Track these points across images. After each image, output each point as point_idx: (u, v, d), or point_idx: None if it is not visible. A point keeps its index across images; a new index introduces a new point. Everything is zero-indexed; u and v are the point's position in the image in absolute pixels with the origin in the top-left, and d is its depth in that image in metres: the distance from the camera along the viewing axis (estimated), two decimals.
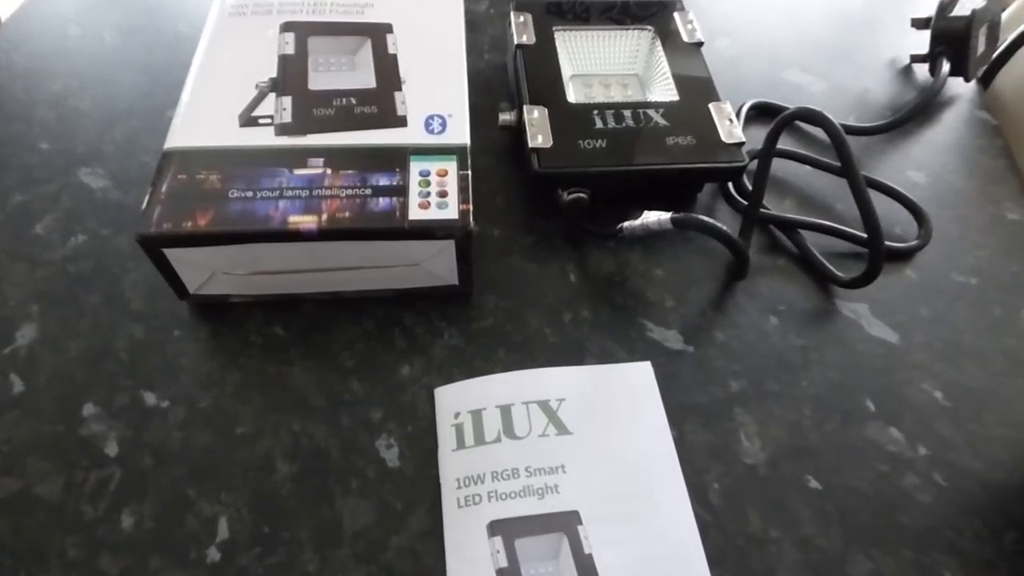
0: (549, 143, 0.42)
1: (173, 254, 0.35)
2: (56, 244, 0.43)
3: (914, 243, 0.45)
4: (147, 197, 0.35)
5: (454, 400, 0.37)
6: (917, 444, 0.37)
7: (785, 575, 0.33)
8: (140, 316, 0.40)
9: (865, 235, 0.40)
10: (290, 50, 0.42)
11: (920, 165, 0.50)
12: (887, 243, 0.40)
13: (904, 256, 0.45)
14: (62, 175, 0.47)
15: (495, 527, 0.32)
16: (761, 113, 0.52)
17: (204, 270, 0.37)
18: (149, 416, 0.37)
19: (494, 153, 0.49)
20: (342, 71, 0.42)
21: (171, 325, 0.40)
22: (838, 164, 0.48)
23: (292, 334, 0.40)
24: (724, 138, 0.43)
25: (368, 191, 0.36)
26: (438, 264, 0.38)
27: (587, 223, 0.44)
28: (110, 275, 0.42)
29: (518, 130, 0.45)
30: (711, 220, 0.39)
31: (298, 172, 0.37)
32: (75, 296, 0.41)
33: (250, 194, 0.36)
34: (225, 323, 0.40)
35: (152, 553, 0.32)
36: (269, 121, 0.39)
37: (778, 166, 0.49)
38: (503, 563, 0.31)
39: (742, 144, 0.43)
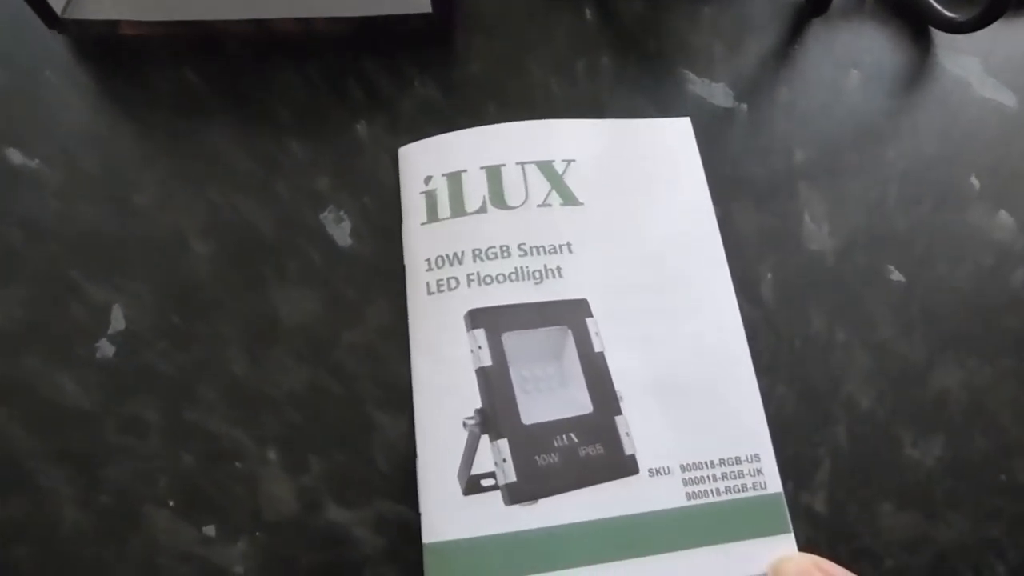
0: None
1: None
2: None
3: None
4: None
5: (425, 160, 0.27)
6: None
7: (853, 385, 0.25)
8: None
9: None
10: None
11: None
12: None
13: None
14: None
15: (476, 317, 0.24)
16: None
17: None
18: (15, 179, 0.27)
19: None
20: None
21: (39, 65, 0.29)
22: None
23: (210, 81, 0.30)
24: None
25: None
26: None
27: None
28: None
29: None
30: None
31: None
32: None
33: None
34: (116, 64, 0.30)
35: (24, 348, 0.25)
36: None
37: None
38: (486, 361, 0.24)
39: None
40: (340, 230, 0.27)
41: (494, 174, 0.27)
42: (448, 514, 0.22)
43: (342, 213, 0.27)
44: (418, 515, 0.22)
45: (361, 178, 0.28)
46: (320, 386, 0.25)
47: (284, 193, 0.28)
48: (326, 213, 0.27)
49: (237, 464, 0.23)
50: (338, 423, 0.24)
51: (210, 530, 0.23)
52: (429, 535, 0.22)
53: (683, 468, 0.23)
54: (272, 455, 0.24)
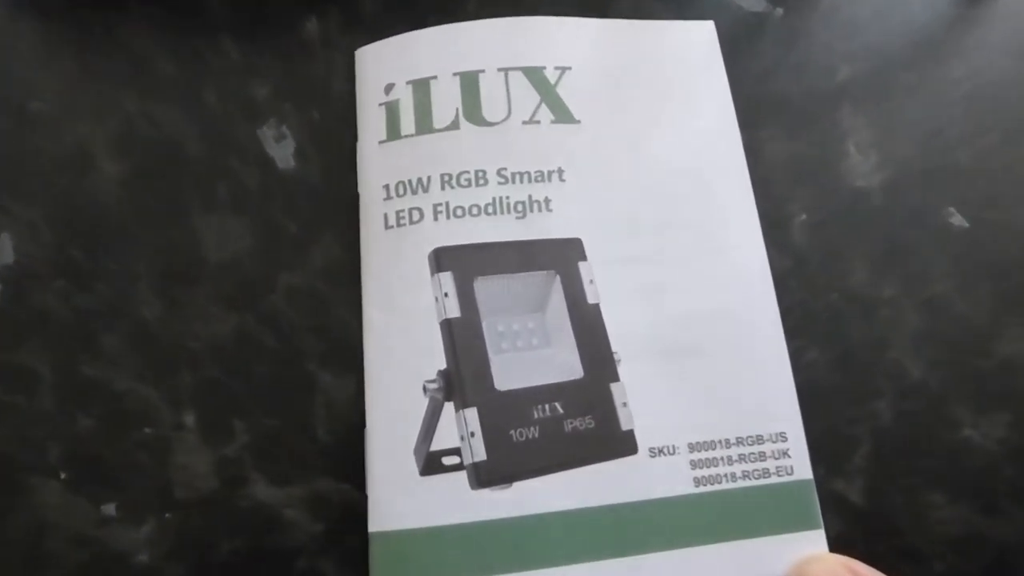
0: None
1: None
2: None
3: None
4: None
5: (386, 65, 0.22)
6: None
7: (900, 351, 0.21)
8: None
9: None
10: None
11: None
12: None
13: None
14: None
15: (443, 258, 0.20)
16: None
17: None
18: None
19: None
20: None
21: None
22: None
23: None
24: None
25: None
26: None
27: None
28: None
29: None
30: None
31: None
32: None
33: None
34: None
35: None
36: None
37: None
38: (453, 312, 0.19)
39: None
40: (281, 149, 0.22)
41: (470, 82, 0.22)
42: (401, 497, 0.18)
43: (284, 128, 0.22)
44: (365, 497, 0.19)
45: (309, 86, 0.23)
46: (250, 337, 0.20)
47: (214, 103, 0.23)
48: (265, 128, 0.22)
49: (146, 430, 0.19)
50: (271, 383, 0.20)
51: (110, 509, 0.19)
52: (377, 522, 0.18)
53: (692, 448, 0.19)
54: (189, 420, 0.19)
